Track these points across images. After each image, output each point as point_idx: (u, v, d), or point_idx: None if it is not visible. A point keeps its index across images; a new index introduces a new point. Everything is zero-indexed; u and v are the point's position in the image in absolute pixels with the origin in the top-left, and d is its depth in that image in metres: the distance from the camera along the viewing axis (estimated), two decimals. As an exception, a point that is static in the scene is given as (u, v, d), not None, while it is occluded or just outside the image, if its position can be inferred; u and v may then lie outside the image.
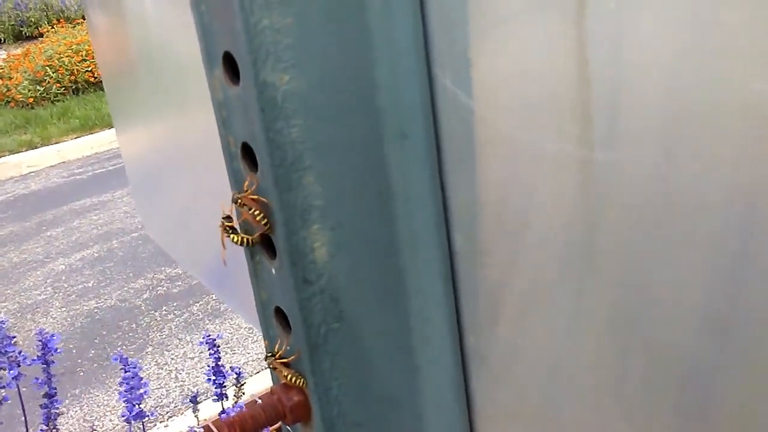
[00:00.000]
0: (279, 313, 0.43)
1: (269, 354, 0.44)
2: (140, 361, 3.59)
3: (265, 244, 0.42)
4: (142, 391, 1.29)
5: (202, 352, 4.15)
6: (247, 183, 0.39)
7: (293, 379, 0.42)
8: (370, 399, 0.42)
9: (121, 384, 1.30)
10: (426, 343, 0.41)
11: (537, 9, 0.30)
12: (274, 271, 0.42)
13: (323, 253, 0.39)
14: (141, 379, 1.32)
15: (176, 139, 0.81)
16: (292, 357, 0.42)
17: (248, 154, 0.40)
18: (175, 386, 3.89)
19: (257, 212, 0.39)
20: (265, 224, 0.40)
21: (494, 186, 0.36)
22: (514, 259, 0.37)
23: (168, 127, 0.82)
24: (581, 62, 0.29)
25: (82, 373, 4.00)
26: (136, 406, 1.28)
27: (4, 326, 1.26)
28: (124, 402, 1.28)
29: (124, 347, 4.35)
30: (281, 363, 0.43)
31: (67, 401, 3.68)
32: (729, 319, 0.28)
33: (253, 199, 0.39)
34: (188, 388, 3.87)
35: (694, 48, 0.25)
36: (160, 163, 0.89)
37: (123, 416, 1.28)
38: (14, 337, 1.29)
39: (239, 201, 0.40)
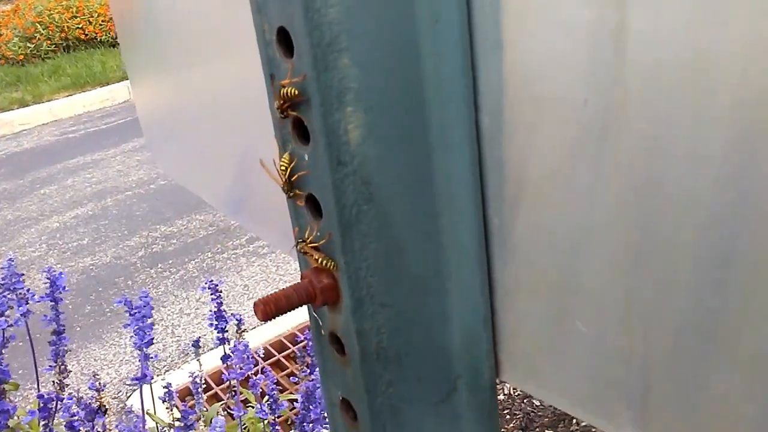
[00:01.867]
0: (309, 200, 0.45)
1: (299, 240, 0.46)
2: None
3: (298, 129, 0.43)
4: (150, 321, 1.32)
5: (197, 309, 4.19)
6: (285, 70, 0.41)
7: (323, 262, 0.44)
8: (398, 280, 0.44)
9: (131, 314, 1.32)
10: (452, 225, 0.43)
11: None
12: (306, 156, 0.44)
13: (356, 135, 0.41)
14: (151, 308, 1.35)
15: (193, 84, 0.82)
16: (323, 240, 0.44)
17: (284, 39, 0.42)
18: (172, 341, 3.94)
19: (295, 95, 0.40)
20: (299, 105, 0.41)
21: (523, 64, 0.38)
22: (536, 140, 0.39)
23: (184, 74, 0.83)
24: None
25: (78, 329, 4.03)
26: (147, 333, 1.31)
27: (12, 263, 1.27)
28: (134, 330, 1.31)
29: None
30: (312, 247, 0.45)
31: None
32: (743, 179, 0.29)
33: (290, 83, 0.41)
34: (184, 343, 3.92)
35: None
36: (177, 107, 0.90)
37: (135, 345, 1.31)
38: (22, 274, 1.31)
39: (278, 86, 0.41)
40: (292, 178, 0.44)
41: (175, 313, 4.15)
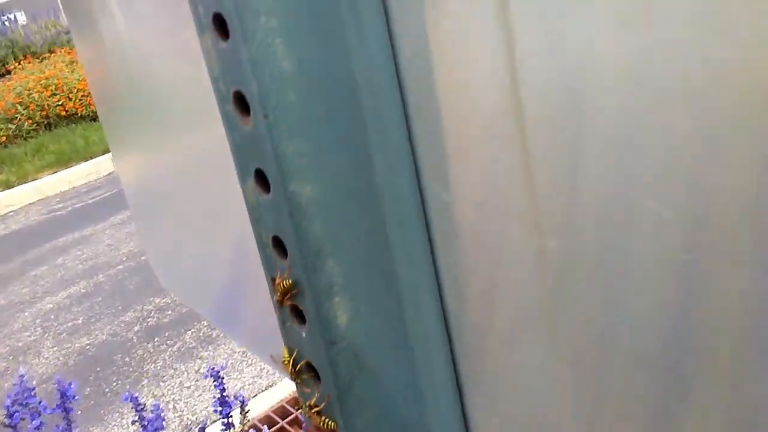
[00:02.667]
0: (309, 366, 0.54)
1: (305, 405, 0.54)
2: (136, 394, 3.65)
3: (295, 312, 0.52)
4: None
5: (198, 380, 4.20)
6: (281, 269, 0.50)
7: (325, 425, 0.53)
8: (389, 427, 0.52)
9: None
10: (430, 380, 0.52)
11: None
12: (304, 334, 0.52)
13: (345, 318, 0.50)
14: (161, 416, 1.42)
15: (175, 164, 0.87)
16: (323, 403, 0.53)
17: (278, 244, 0.51)
18: (174, 416, 3.95)
19: (290, 287, 0.50)
20: (295, 296, 0.51)
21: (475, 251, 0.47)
22: (491, 316, 0.49)
23: (165, 152, 0.89)
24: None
25: (80, 412, 4.03)
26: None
27: (24, 379, 1.34)
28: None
29: (119, 382, 4.39)
30: (314, 412, 0.53)
31: (67, 440, 3.72)
32: (682, 358, 0.38)
33: (285, 279, 0.50)
34: (187, 418, 3.93)
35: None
36: (159, 190, 0.95)
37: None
38: (34, 389, 1.37)
39: (276, 282, 0.50)
40: (297, 367, 0.52)
41: (175, 387, 4.16)
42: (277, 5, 0.44)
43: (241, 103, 0.48)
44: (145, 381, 4.28)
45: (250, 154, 0.49)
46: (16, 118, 9.92)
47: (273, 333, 0.57)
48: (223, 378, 1.85)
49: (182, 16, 0.64)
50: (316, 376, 0.53)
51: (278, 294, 0.51)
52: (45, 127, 10.08)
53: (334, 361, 0.50)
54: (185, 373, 4.29)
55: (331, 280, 0.49)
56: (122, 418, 3.92)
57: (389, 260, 0.50)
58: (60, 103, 10.17)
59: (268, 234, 0.51)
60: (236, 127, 0.49)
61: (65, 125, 10.11)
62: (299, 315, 0.52)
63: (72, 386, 1.41)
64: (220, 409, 1.77)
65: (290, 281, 0.50)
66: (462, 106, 0.43)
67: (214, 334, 4.62)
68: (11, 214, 7.94)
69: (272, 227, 0.50)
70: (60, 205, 7.87)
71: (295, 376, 0.53)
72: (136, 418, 1.49)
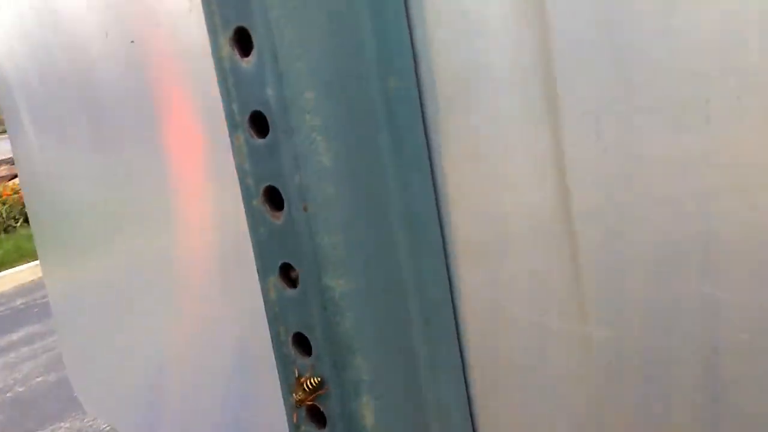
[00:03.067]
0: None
1: None
2: None
3: (313, 414, 0.50)
4: None
5: None
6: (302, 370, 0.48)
7: None
8: None
9: None
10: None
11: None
12: None
13: (371, 420, 0.48)
14: None
15: (97, 279, 0.85)
16: None
17: (301, 341, 0.49)
18: None
19: (318, 386, 0.48)
20: (320, 396, 0.49)
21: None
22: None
23: (86, 268, 0.87)
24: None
25: None
26: None
27: None
28: None
29: None
30: None
31: None
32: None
33: (309, 380, 0.48)
34: None
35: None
36: (81, 303, 0.92)
37: None
38: None
39: (301, 380, 0.48)
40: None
41: None
42: (320, 104, 0.46)
43: (273, 198, 0.48)
44: None
45: (278, 248, 0.49)
46: None
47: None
48: None
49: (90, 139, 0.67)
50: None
51: (299, 393, 0.49)
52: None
53: (359, 467, 0.48)
54: None
55: (359, 377, 0.48)
56: None
57: (414, 359, 0.50)
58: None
59: (288, 331, 0.50)
60: (263, 222, 0.49)
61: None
62: (319, 417, 0.50)
63: None
64: None
65: (318, 379, 0.48)
66: (502, 201, 0.45)
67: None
68: None
69: (295, 324, 0.49)
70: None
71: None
72: None
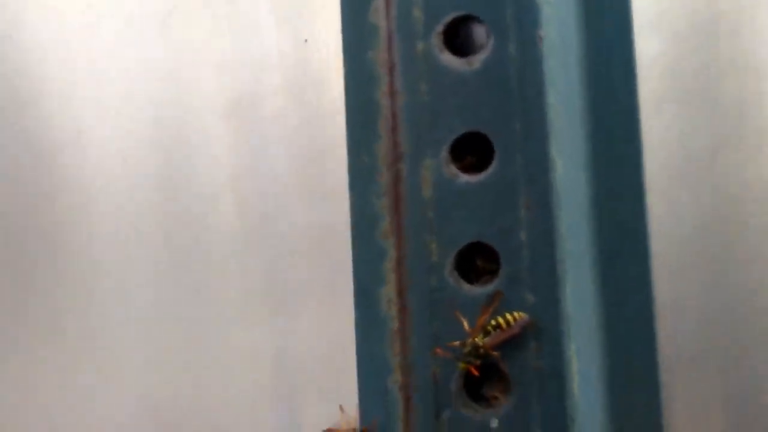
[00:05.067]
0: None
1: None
2: None
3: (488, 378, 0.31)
4: None
5: None
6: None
7: None
8: None
9: None
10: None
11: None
12: (496, 423, 0.31)
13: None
14: None
15: None
16: None
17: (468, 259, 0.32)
18: None
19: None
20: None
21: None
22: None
23: None
24: None
25: None
26: None
27: None
28: None
29: None
30: None
31: None
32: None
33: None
34: None
35: None
36: None
37: None
38: None
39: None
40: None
41: None
42: None
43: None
44: None
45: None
46: None
47: None
48: None
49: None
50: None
51: (471, 348, 0.30)
52: None
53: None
54: None
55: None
56: None
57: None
58: None
59: (449, 244, 0.32)
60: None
61: None
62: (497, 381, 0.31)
63: None
64: None
65: (517, 315, 0.30)
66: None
67: None
68: None
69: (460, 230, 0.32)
70: None
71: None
72: None
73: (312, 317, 0.46)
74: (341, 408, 0.41)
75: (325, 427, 0.41)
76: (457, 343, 0.31)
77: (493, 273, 0.32)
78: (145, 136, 0.50)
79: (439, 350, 0.31)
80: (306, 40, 0.47)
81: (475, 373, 0.30)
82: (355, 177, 0.34)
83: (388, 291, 0.35)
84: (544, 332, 0.31)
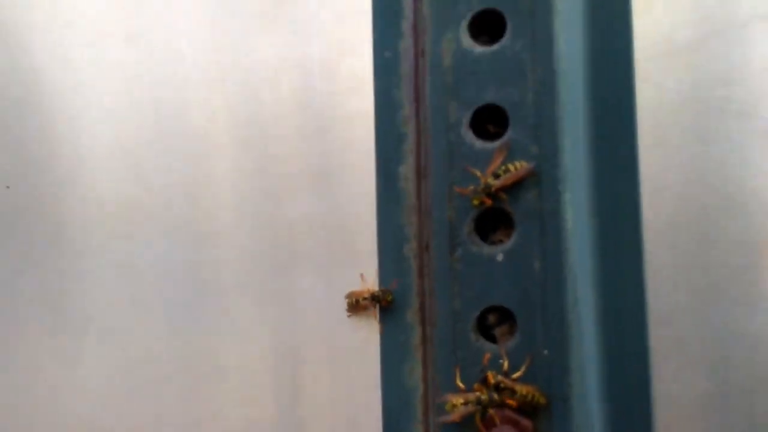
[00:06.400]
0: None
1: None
2: None
3: (480, 223, 0.36)
4: None
5: None
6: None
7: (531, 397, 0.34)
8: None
9: None
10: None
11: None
12: (501, 256, 0.36)
13: (571, 219, 0.37)
14: None
15: None
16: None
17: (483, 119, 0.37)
18: None
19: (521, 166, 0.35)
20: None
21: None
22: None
23: None
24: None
25: None
26: None
27: None
28: None
29: None
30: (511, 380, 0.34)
31: None
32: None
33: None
34: None
35: None
36: None
37: None
38: None
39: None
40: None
41: None
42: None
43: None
44: None
45: None
46: None
47: None
48: None
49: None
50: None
51: (483, 192, 0.35)
52: None
53: (559, 270, 0.35)
54: None
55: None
56: None
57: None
58: None
59: (467, 104, 0.37)
60: None
61: None
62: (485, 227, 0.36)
63: None
64: None
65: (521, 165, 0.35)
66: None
67: None
68: None
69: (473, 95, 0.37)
70: None
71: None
72: None
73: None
74: (362, 276, 0.46)
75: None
76: (472, 186, 0.36)
77: (501, 136, 0.37)
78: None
79: (457, 188, 0.36)
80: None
81: (489, 202, 0.35)
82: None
83: (407, 170, 0.40)
84: (544, 178, 0.36)
